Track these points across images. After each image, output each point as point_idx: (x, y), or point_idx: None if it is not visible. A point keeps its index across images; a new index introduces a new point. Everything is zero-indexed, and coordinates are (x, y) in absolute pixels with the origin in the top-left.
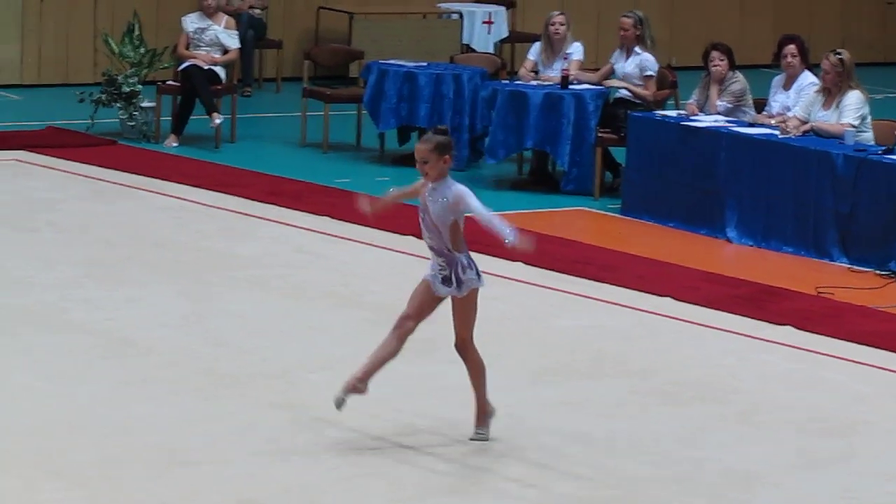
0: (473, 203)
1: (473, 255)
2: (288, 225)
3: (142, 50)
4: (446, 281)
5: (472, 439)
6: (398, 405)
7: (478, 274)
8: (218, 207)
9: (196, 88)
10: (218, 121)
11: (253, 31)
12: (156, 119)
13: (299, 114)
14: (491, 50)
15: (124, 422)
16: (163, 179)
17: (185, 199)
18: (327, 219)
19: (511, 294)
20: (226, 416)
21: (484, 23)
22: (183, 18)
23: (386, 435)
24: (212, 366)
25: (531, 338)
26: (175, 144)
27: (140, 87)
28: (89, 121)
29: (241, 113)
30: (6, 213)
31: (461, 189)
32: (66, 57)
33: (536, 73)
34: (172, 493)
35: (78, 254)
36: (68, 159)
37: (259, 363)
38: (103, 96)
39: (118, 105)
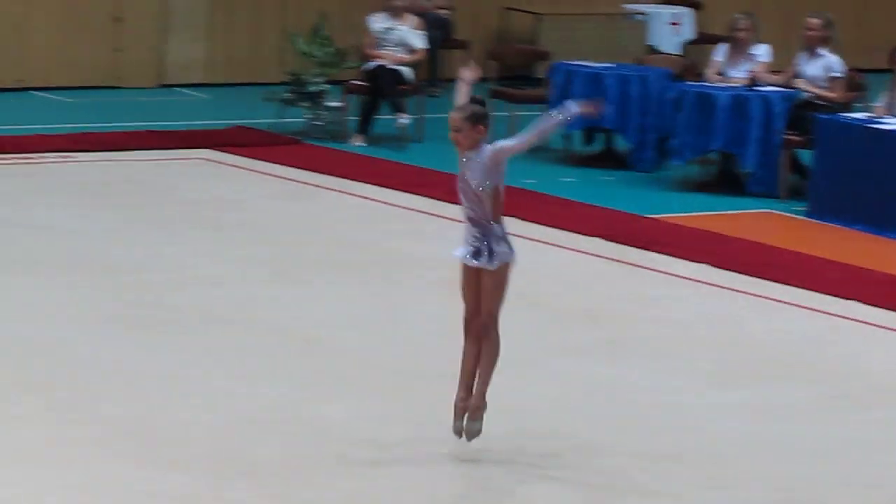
0: (510, 142)
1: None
2: None
3: (328, 49)
4: (478, 253)
5: (466, 436)
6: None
7: (510, 247)
8: (405, 207)
9: (382, 88)
10: (404, 121)
11: (439, 32)
12: (342, 119)
13: None
14: (677, 51)
15: (313, 421)
16: (349, 179)
17: (371, 199)
18: (513, 219)
19: (697, 297)
20: (414, 416)
21: (670, 24)
22: (370, 18)
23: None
24: (400, 365)
25: (718, 341)
26: (361, 144)
27: (327, 86)
28: (276, 120)
29: (428, 113)
30: (194, 212)
31: (494, 144)
32: (254, 56)
33: (722, 74)
34: (361, 494)
35: (265, 253)
36: (255, 158)
37: (446, 363)
38: (290, 96)
39: (305, 104)
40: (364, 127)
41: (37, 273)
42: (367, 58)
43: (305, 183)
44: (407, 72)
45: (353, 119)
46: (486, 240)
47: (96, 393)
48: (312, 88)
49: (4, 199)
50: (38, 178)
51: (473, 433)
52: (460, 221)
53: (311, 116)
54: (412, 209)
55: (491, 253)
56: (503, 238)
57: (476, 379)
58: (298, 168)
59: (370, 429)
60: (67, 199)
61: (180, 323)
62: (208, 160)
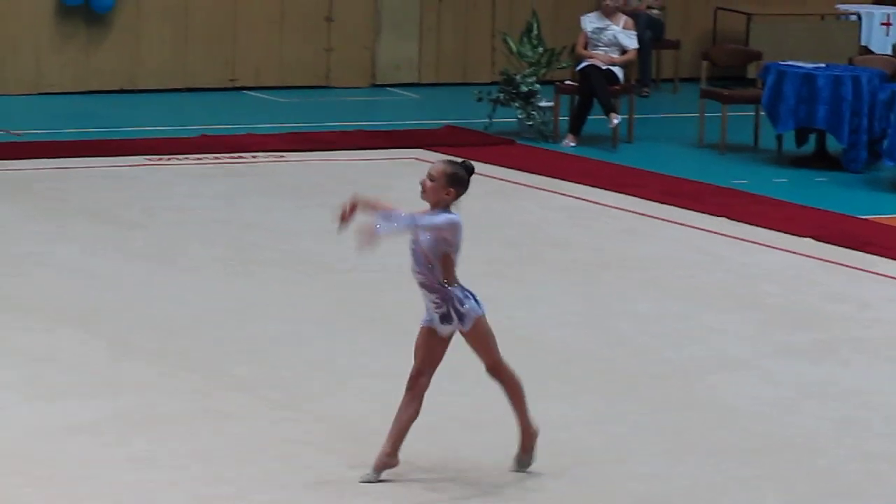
0: (429, 219)
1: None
2: (685, 226)
3: (540, 49)
4: (446, 318)
5: (514, 469)
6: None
7: (476, 301)
8: (616, 207)
9: (594, 88)
10: (616, 121)
11: (651, 32)
12: (554, 118)
13: (696, 114)
14: (889, 52)
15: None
16: (561, 179)
17: (583, 199)
18: (724, 220)
19: None
20: (624, 416)
21: (882, 24)
22: (582, 18)
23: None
24: (610, 366)
25: None
26: (573, 144)
27: (538, 86)
28: (487, 120)
29: (639, 113)
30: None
31: (452, 216)
32: (464, 56)
33: None
34: (573, 491)
35: (478, 252)
36: (467, 158)
37: (657, 363)
38: (501, 95)
39: (516, 104)
40: (576, 127)
41: (250, 273)
42: (579, 58)
43: (517, 183)
44: (618, 72)
45: (564, 119)
46: (448, 304)
47: (308, 391)
48: (524, 88)
49: (217, 200)
50: (251, 178)
51: (525, 465)
52: (671, 222)
53: (522, 116)
54: (623, 209)
55: (460, 316)
56: (465, 297)
57: (515, 418)
58: (510, 168)
59: (579, 428)
60: (280, 198)
61: (393, 322)
62: (419, 160)
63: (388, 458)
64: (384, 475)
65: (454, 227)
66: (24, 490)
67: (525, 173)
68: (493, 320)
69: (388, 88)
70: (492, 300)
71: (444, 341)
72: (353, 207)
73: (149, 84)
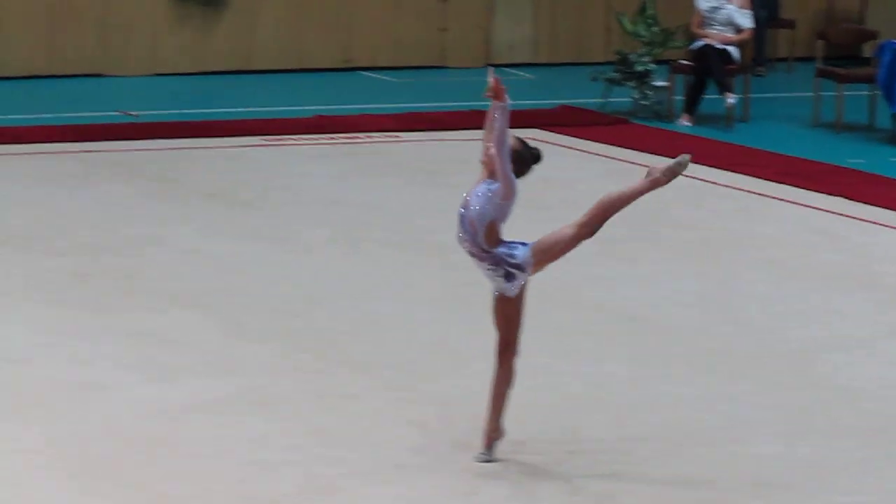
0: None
1: None
2: (801, 205)
3: (655, 29)
4: (509, 277)
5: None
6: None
7: (524, 244)
8: (732, 187)
9: (709, 68)
10: (731, 100)
11: (766, 11)
12: (668, 98)
13: (811, 94)
14: None
15: (642, 400)
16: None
17: (698, 179)
18: (841, 199)
19: None
20: (741, 396)
21: None
22: None
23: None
24: (728, 345)
25: None
26: (688, 124)
27: (653, 66)
28: (602, 100)
29: (754, 93)
30: (521, 191)
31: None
32: (579, 36)
33: None
34: (691, 471)
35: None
36: (581, 138)
37: (775, 343)
38: (616, 75)
39: (631, 84)
40: (691, 107)
41: (364, 252)
42: (694, 37)
43: (632, 163)
44: (734, 51)
45: (679, 99)
46: (503, 265)
47: (423, 372)
48: (639, 68)
49: (333, 179)
50: (365, 158)
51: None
52: (787, 202)
53: (637, 96)
54: (739, 188)
55: (517, 266)
56: (511, 249)
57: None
58: (625, 148)
59: (696, 408)
60: (394, 178)
61: None
62: (535, 140)
63: (494, 433)
64: (498, 453)
65: (512, 188)
66: (146, 470)
67: (640, 153)
68: (607, 300)
69: (502, 68)
70: (606, 280)
71: (516, 301)
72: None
73: (264, 65)
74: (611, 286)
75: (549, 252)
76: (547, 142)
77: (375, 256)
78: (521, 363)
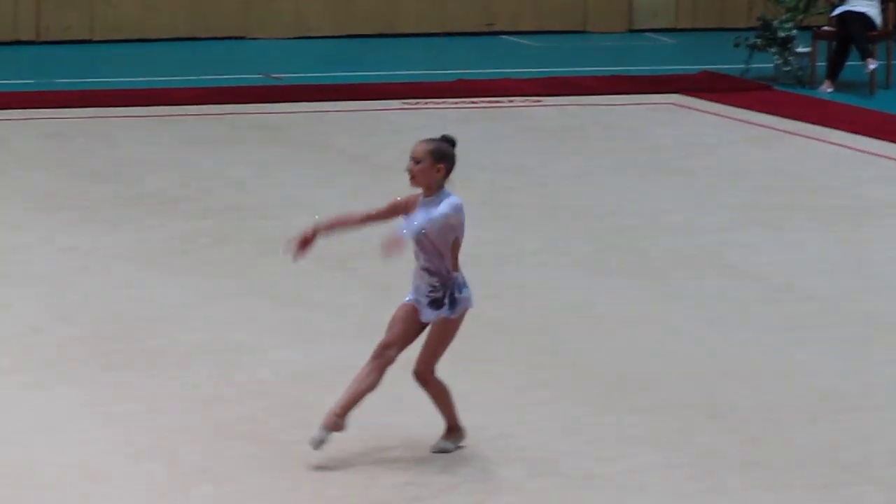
0: (434, 217)
1: None
2: None
3: None
4: (436, 304)
5: (435, 451)
6: None
7: (469, 291)
8: (874, 154)
9: (851, 34)
10: (872, 66)
11: None
12: (811, 64)
13: None
14: None
15: (783, 367)
16: (818, 125)
17: (840, 145)
18: None
19: None
20: (884, 364)
21: None
22: None
23: None
24: (872, 312)
25: None
26: (830, 90)
27: (795, 32)
28: (744, 65)
29: None
30: (662, 156)
31: (454, 200)
32: (722, 1)
33: None
34: (829, 436)
35: (735, 198)
36: (723, 104)
37: None
38: (758, 41)
39: (773, 50)
40: (833, 73)
41: (507, 216)
42: (836, 3)
43: (774, 128)
44: (876, 17)
45: (821, 65)
46: (447, 290)
47: (566, 336)
48: (781, 34)
49: (474, 144)
50: (508, 122)
51: (441, 450)
52: None
53: (779, 62)
54: (881, 155)
55: (453, 303)
56: (464, 283)
57: (442, 414)
58: (767, 113)
59: (839, 376)
60: (537, 143)
61: (649, 267)
62: (676, 105)
63: (338, 419)
64: (641, 413)
65: (458, 212)
66: (290, 432)
67: (782, 119)
68: (751, 266)
69: (644, 33)
70: (749, 247)
71: (423, 326)
72: (312, 234)
73: (407, 28)
74: (755, 253)
75: (445, 335)
76: (689, 107)
77: (518, 220)
78: (663, 328)
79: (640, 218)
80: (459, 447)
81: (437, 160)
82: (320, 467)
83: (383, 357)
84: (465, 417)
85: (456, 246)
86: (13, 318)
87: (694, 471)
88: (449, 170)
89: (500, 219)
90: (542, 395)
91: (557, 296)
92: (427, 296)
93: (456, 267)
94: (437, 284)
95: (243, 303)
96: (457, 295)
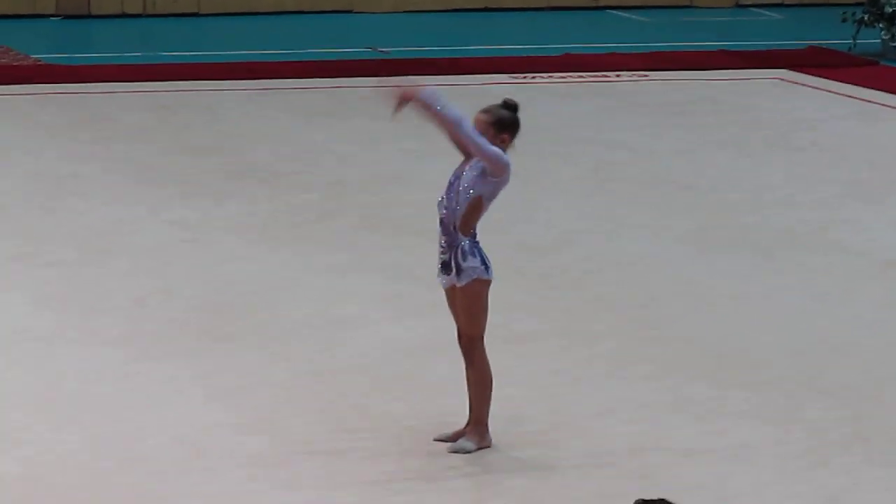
0: (480, 139)
1: None
2: None
3: None
4: (446, 267)
5: (452, 451)
6: None
7: (485, 264)
8: None
9: None
10: None
11: None
12: None
13: None
14: None
15: (890, 343)
16: None
17: None
18: None
19: None
20: None
21: None
22: None
23: None
24: None
25: None
26: None
27: None
28: (851, 41)
29: None
30: (769, 131)
31: (500, 150)
32: None
33: None
34: None
35: (841, 174)
36: (830, 79)
37: None
38: (866, 16)
39: (880, 25)
40: None
41: (611, 191)
42: None
43: (882, 104)
44: None
45: None
46: (451, 253)
47: (669, 311)
48: (889, 10)
49: (582, 119)
50: (614, 97)
51: (458, 450)
52: None
53: (886, 37)
54: None
55: (458, 269)
56: (471, 253)
57: (468, 403)
58: (874, 89)
59: None
60: (643, 117)
61: (754, 243)
62: (783, 80)
63: (483, 430)
64: (748, 388)
65: (502, 164)
66: (393, 404)
67: (888, 94)
68: (856, 242)
69: (751, 9)
70: (853, 222)
71: (451, 292)
72: (410, 99)
73: (512, 3)
74: (859, 229)
75: (471, 303)
76: (796, 82)
77: (622, 194)
78: (767, 304)
79: (745, 193)
80: (483, 447)
81: (500, 130)
82: (429, 443)
83: (462, 348)
84: (569, 392)
85: (475, 206)
86: (120, 291)
87: (800, 447)
88: (513, 137)
89: (604, 193)
90: (647, 371)
91: (661, 271)
92: (439, 256)
93: (465, 229)
94: (444, 245)
95: (349, 277)
96: (461, 262)
